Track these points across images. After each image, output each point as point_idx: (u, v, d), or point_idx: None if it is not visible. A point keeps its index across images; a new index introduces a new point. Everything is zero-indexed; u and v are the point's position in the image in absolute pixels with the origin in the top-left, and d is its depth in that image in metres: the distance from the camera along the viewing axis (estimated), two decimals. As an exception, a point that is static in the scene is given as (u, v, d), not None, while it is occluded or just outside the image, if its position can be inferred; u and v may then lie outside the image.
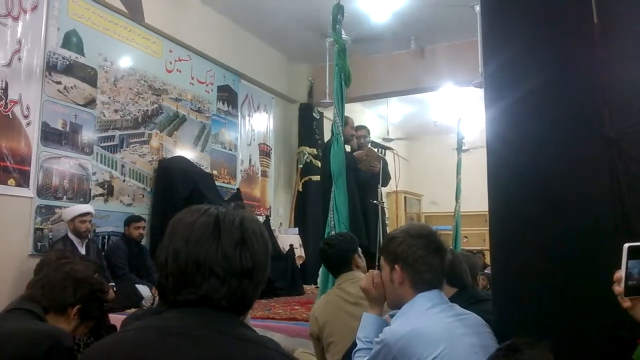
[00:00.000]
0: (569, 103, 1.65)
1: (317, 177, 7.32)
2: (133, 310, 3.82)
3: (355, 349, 1.82)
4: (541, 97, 1.68)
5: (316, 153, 7.86)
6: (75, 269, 1.64)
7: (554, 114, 1.66)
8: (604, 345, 1.48)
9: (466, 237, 9.18)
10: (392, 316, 1.81)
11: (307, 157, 7.87)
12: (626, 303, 1.03)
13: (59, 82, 4.77)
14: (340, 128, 3.71)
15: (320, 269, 3.34)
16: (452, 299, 1.88)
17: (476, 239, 10.05)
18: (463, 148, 7.37)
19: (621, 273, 1.03)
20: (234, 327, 0.96)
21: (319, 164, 7.22)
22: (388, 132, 10.18)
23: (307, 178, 7.78)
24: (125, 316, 2.79)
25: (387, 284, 1.75)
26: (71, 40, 4.93)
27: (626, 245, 1.03)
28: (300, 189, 7.83)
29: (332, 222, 3.40)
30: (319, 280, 3.51)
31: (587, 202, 1.59)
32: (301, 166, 7.99)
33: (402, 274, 1.67)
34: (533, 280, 1.61)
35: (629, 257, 1.02)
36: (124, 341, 0.97)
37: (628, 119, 1.57)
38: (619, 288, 1.03)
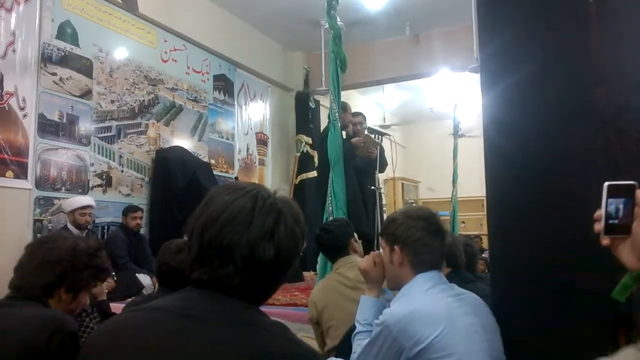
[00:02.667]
0: (565, 85, 1.65)
1: (313, 173, 7.28)
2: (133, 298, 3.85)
3: (355, 331, 1.84)
4: (537, 80, 1.69)
5: (312, 142, 7.85)
6: (50, 250, 1.60)
7: (550, 96, 1.66)
8: (600, 320, 1.51)
9: (463, 222, 9.22)
10: (389, 300, 1.84)
11: (304, 146, 7.86)
12: (605, 241, 1.03)
13: (54, 74, 4.76)
14: (336, 114, 3.72)
15: (320, 256, 3.36)
16: (447, 278, 1.91)
17: (473, 224, 10.10)
18: (459, 134, 7.39)
19: (601, 212, 1.03)
20: (242, 311, 0.94)
21: (315, 155, 7.22)
22: (384, 118, 10.19)
23: (303, 176, 7.72)
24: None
25: (387, 265, 1.77)
26: (66, 31, 4.91)
27: (606, 183, 1.03)
28: (297, 183, 7.80)
29: (331, 208, 3.43)
30: (317, 266, 3.54)
31: (583, 184, 1.60)
32: (298, 154, 7.98)
33: (402, 255, 1.69)
34: (530, 262, 1.63)
35: (609, 196, 1.03)
36: (127, 324, 0.96)
37: (624, 97, 1.58)
38: (598, 226, 1.03)
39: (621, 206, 1.02)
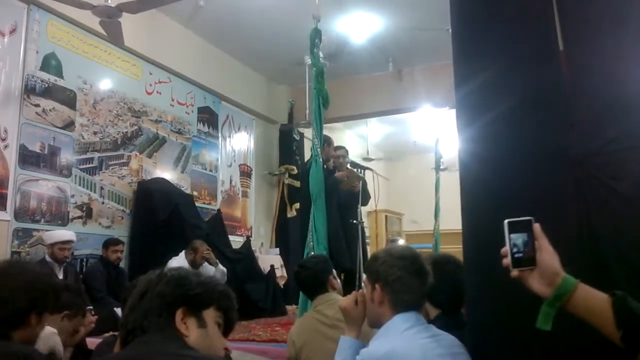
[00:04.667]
0: (537, 126, 1.69)
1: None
2: (110, 334, 3.77)
3: (334, 371, 1.83)
4: (509, 121, 1.72)
5: (296, 172, 7.87)
6: (17, 276, 1.57)
7: (521, 137, 1.70)
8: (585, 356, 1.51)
9: (446, 255, 9.21)
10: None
11: (284, 175, 7.86)
12: (514, 273, 1.12)
13: (37, 105, 4.76)
14: (319, 149, 3.75)
15: (300, 293, 3.34)
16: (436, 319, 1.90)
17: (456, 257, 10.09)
18: (441, 167, 7.46)
19: (506, 247, 1.12)
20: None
21: (298, 184, 7.23)
22: (368, 151, 10.27)
23: (296, 205, 7.64)
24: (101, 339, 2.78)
25: (368, 302, 1.77)
26: (50, 63, 4.93)
27: (505, 221, 1.13)
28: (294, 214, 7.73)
29: (311, 243, 3.42)
30: (299, 301, 3.51)
31: (555, 224, 1.63)
32: (276, 175, 7.99)
33: (382, 294, 1.69)
34: (506, 299, 1.64)
35: (510, 232, 1.12)
36: None
37: (595, 140, 1.63)
38: (506, 261, 1.12)
39: (524, 240, 1.11)
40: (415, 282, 1.70)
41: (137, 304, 1.15)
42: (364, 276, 1.82)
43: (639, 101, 1.60)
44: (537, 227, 1.12)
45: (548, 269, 1.10)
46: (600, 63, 1.68)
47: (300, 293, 3.28)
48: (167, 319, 1.12)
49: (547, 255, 1.10)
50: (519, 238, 1.11)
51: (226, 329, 1.23)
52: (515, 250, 1.11)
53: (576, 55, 1.71)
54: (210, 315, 1.18)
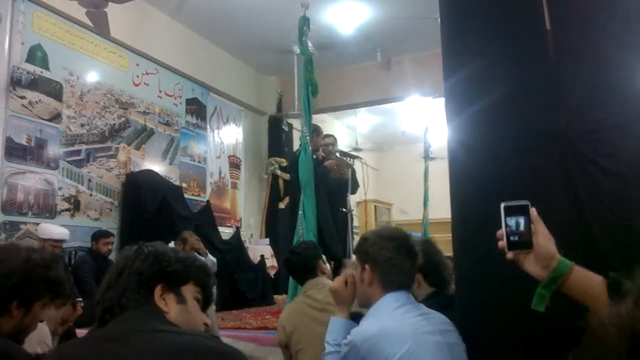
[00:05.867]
0: (526, 111, 1.70)
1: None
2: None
3: (325, 352, 1.84)
4: (499, 108, 1.73)
5: (285, 164, 7.86)
6: (1, 263, 1.49)
7: (511, 123, 1.70)
8: (571, 335, 1.53)
9: (436, 244, 9.28)
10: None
11: (274, 167, 7.84)
12: (509, 255, 1.14)
13: (23, 97, 4.71)
14: (308, 138, 3.76)
15: (290, 279, 3.36)
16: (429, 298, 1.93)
17: (445, 246, 10.08)
18: (430, 156, 7.50)
19: (502, 230, 1.14)
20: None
21: (288, 177, 7.22)
22: (357, 142, 10.28)
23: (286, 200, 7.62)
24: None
25: (358, 283, 1.79)
26: (36, 55, 4.88)
27: (502, 204, 1.15)
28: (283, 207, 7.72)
29: (301, 231, 3.44)
30: (288, 288, 3.54)
31: (544, 206, 1.64)
32: (266, 175, 7.98)
33: (372, 275, 1.71)
34: (495, 286, 1.66)
35: (506, 215, 1.14)
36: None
37: (583, 120, 1.64)
38: (502, 243, 1.15)
39: (520, 223, 1.13)
40: (405, 263, 1.72)
41: (114, 281, 1.14)
42: (353, 257, 1.84)
43: (626, 81, 1.62)
44: (533, 211, 1.14)
45: (544, 252, 1.12)
46: (587, 45, 1.70)
47: (290, 278, 3.31)
48: (146, 295, 1.11)
49: (544, 238, 1.12)
50: (515, 221, 1.13)
51: (204, 304, 1.23)
52: (511, 233, 1.14)
53: (563, 37, 1.73)
54: (189, 290, 1.18)
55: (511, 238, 1.14)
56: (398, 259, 1.71)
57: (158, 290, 1.13)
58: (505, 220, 1.14)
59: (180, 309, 1.14)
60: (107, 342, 1.02)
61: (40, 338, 2.15)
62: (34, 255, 1.56)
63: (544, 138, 1.67)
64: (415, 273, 1.77)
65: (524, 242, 1.13)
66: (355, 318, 1.81)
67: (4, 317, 1.48)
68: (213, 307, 3.67)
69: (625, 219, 1.55)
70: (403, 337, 1.54)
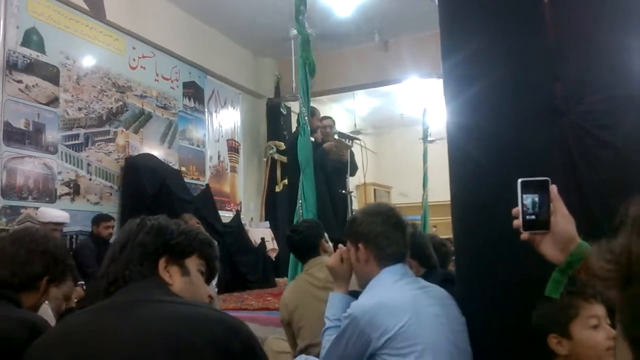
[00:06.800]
0: (523, 85, 1.70)
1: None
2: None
3: (324, 327, 1.86)
4: (498, 88, 1.72)
5: (284, 148, 7.85)
6: (35, 240, 1.58)
7: (511, 103, 1.70)
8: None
9: (435, 226, 9.31)
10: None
11: (272, 151, 7.84)
12: (524, 235, 1.06)
13: (20, 81, 4.69)
14: (306, 118, 3.75)
15: (290, 257, 3.37)
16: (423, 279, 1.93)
17: (445, 228, 10.15)
18: (429, 138, 7.49)
19: (518, 208, 1.06)
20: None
21: (285, 159, 7.21)
22: (355, 125, 10.26)
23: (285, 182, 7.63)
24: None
25: (354, 264, 1.79)
26: (31, 39, 4.85)
27: (519, 180, 1.06)
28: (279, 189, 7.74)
29: (301, 211, 3.44)
30: (289, 268, 3.55)
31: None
32: (265, 159, 7.98)
33: (366, 252, 1.71)
34: (494, 259, 1.66)
35: (523, 192, 1.05)
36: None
37: (580, 91, 1.64)
38: (517, 222, 1.06)
39: (537, 202, 1.04)
40: (396, 234, 1.73)
41: (117, 255, 1.14)
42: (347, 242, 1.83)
43: (623, 51, 1.62)
44: (553, 188, 1.05)
45: (563, 234, 1.03)
46: (585, 15, 1.69)
47: (291, 257, 3.31)
48: (150, 268, 1.12)
49: (563, 219, 1.04)
50: (532, 199, 1.04)
51: (209, 277, 1.24)
52: (527, 211, 1.05)
53: (560, 11, 1.72)
54: (193, 263, 1.18)
55: (527, 217, 1.04)
56: (389, 232, 1.72)
57: (162, 262, 1.14)
58: (522, 198, 1.05)
59: (184, 281, 1.15)
60: (112, 311, 1.03)
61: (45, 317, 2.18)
62: (56, 239, 1.67)
63: (543, 117, 1.67)
64: (407, 243, 1.77)
65: (541, 221, 1.04)
66: (355, 296, 1.83)
67: (31, 292, 1.55)
68: (215, 287, 3.69)
69: (620, 189, 1.54)
70: (402, 309, 1.55)
